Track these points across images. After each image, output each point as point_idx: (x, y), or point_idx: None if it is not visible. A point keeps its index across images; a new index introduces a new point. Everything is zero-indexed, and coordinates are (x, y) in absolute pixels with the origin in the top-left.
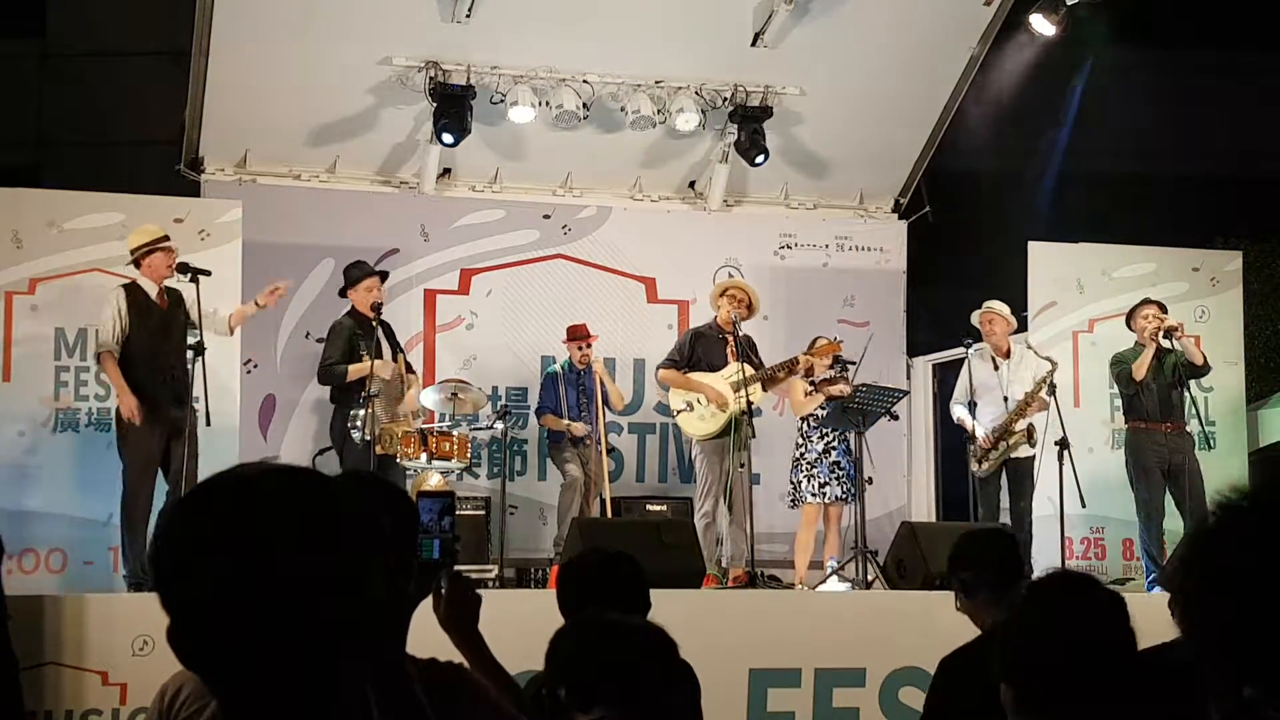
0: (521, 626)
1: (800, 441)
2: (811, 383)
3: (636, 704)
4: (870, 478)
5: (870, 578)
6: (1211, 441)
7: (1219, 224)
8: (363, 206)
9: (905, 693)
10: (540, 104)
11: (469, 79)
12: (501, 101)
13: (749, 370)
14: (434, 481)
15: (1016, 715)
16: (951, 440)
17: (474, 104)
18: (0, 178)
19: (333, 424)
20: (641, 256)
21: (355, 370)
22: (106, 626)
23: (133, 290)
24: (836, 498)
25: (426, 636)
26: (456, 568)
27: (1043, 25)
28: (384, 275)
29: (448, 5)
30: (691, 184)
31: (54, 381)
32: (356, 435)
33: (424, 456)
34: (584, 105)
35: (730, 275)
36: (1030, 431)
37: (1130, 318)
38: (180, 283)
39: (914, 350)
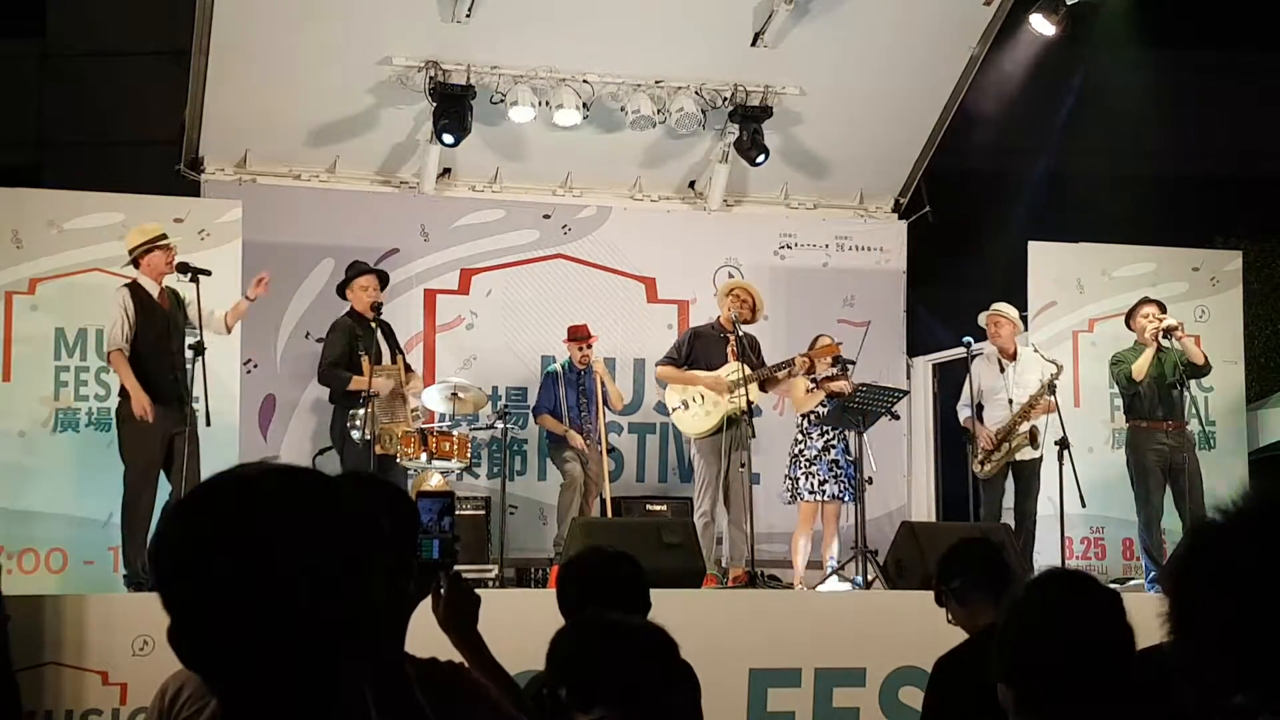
0: (521, 626)
1: (799, 438)
2: (813, 379)
3: (637, 704)
4: (870, 477)
5: (870, 578)
6: (1211, 441)
7: (1219, 224)
8: (363, 206)
9: (905, 693)
10: (540, 104)
11: (469, 79)
12: (501, 101)
13: (747, 370)
14: (434, 481)
15: (1016, 715)
16: (951, 440)
17: (474, 104)
18: (0, 178)
19: (333, 424)
20: (641, 256)
21: (358, 382)
22: (106, 626)
23: (136, 289)
24: (834, 496)
25: (426, 636)
26: (456, 568)
27: (1043, 25)
28: (383, 276)
29: (448, 5)
30: (691, 184)
31: (54, 381)
32: (356, 435)
33: (424, 456)
34: (584, 105)
35: (730, 275)
36: (1034, 434)
37: (1129, 318)
38: (180, 283)
39: (914, 350)
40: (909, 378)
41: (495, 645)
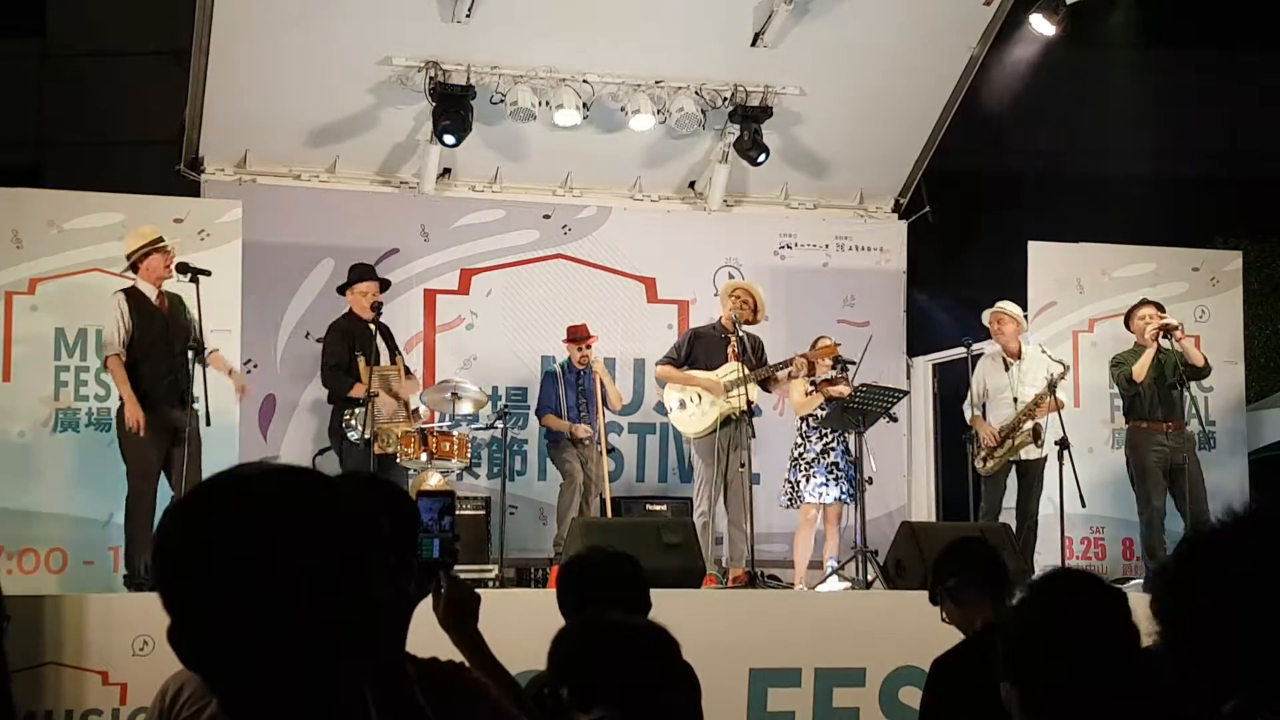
0: (521, 626)
1: (799, 441)
2: (812, 382)
3: (638, 704)
4: (870, 478)
5: (870, 578)
6: (1211, 441)
7: (1219, 224)
8: (363, 206)
9: (905, 692)
10: (540, 104)
11: (469, 79)
12: (501, 101)
13: (746, 370)
14: (434, 481)
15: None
16: (952, 440)
17: (474, 104)
18: (0, 178)
19: (331, 424)
20: (641, 256)
21: (359, 389)
22: (106, 626)
23: (132, 294)
24: (835, 498)
25: (426, 636)
26: (456, 568)
27: (1043, 25)
28: (385, 283)
29: (448, 5)
30: (691, 184)
31: (54, 381)
32: (353, 435)
33: (424, 456)
34: (584, 105)
35: (730, 275)
36: (1037, 432)
37: (1128, 319)
38: (180, 283)
39: (914, 350)
40: (909, 378)
41: (495, 645)
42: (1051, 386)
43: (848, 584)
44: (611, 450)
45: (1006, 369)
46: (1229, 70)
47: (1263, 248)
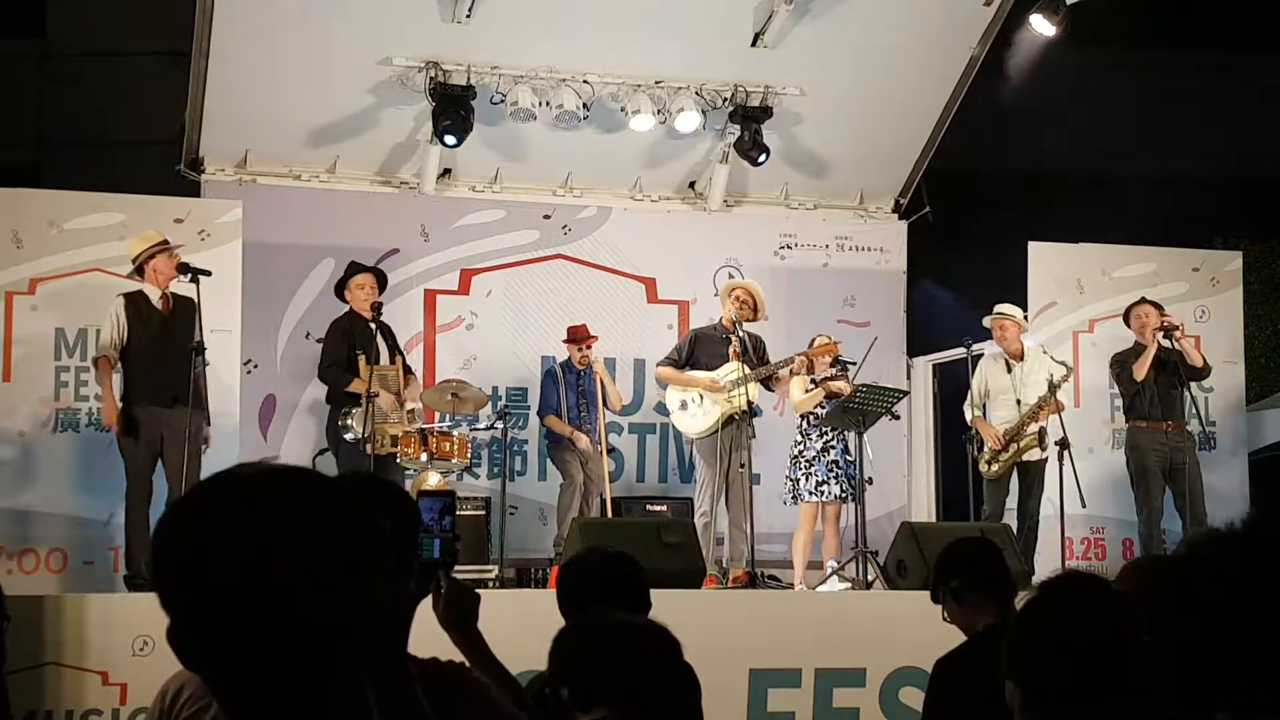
0: (521, 626)
1: (799, 439)
2: (812, 379)
3: (638, 704)
4: (870, 478)
5: (870, 578)
6: (1211, 441)
7: (1219, 224)
8: (363, 206)
9: (905, 693)
10: (540, 104)
11: (469, 79)
12: (501, 101)
13: (746, 369)
14: (433, 481)
15: (1023, 714)
16: (952, 440)
17: (474, 104)
18: (0, 178)
19: (328, 425)
20: (641, 256)
21: (358, 385)
22: (106, 626)
23: (132, 300)
24: (834, 497)
25: (426, 636)
26: (455, 569)
27: (1043, 25)
28: (380, 274)
29: (448, 5)
30: (691, 184)
31: (54, 381)
32: (349, 437)
33: (424, 456)
34: (584, 105)
35: (730, 275)
36: (1042, 435)
37: (1127, 316)
38: (180, 283)
39: (914, 350)
40: (909, 378)
41: (495, 645)
42: (1054, 388)
43: (848, 584)
44: (611, 450)
45: (1009, 370)
46: (1229, 70)
47: (1263, 248)
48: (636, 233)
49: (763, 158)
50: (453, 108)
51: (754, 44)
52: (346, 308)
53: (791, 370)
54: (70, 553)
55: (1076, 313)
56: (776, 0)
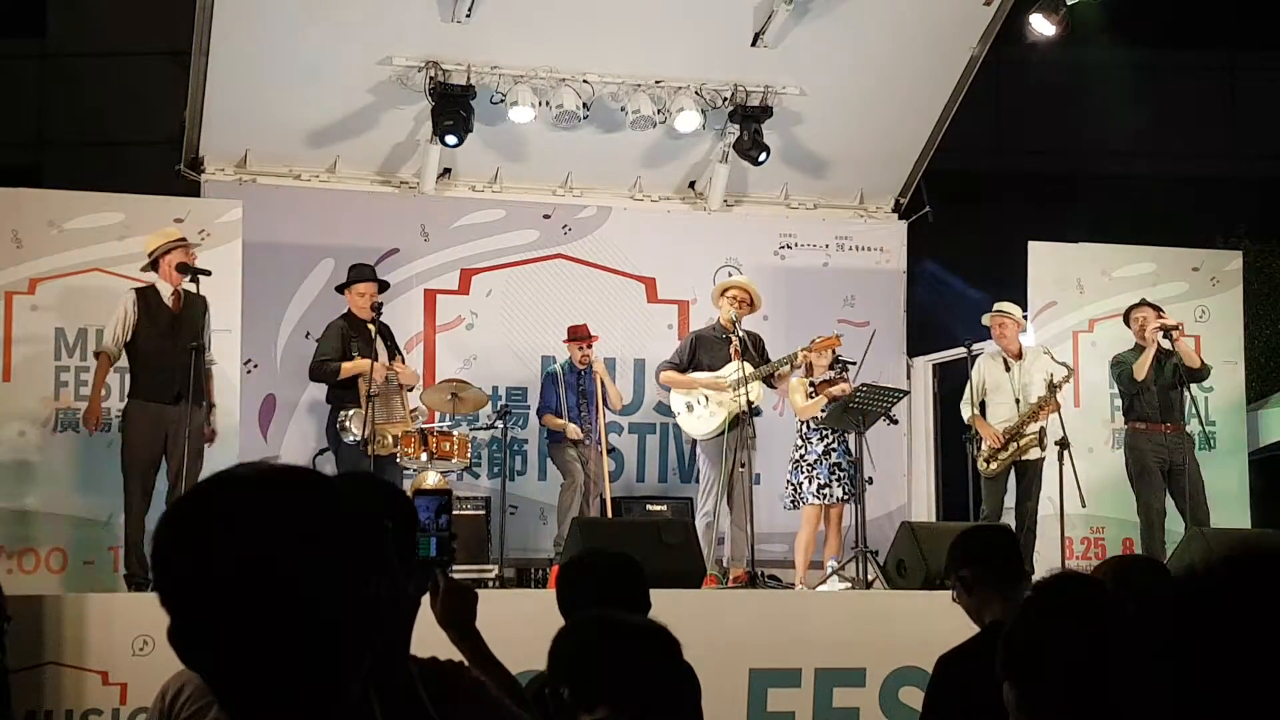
0: (521, 626)
1: (800, 442)
2: (812, 383)
3: (639, 704)
4: (870, 478)
5: (870, 578)
6: (1211, 441)
7: (1219, 224)
8: (363, 206)
9: (905, 693)
10: (540, 104)
11: (469, 79)
12: (501, 101)
13: (749, 368)
14: (433, 480)
15: (1018, 713)
16: (952, 440)
17: (474, 104)
18: (0, 178)
19: (327, 425)
20: (641, 256)
21: (348, 368)
22: (106, 626)
23: (143, 295)
24: (838, 499)
25: (426, 636)
26: (454, 568)
27: (1043, 25)
28: (384, 285)
29: (448, 5)
30: (691, 184)
31: (54, 381)
32: (349, 438)
33: (424, 456)
34: (584, 105)
35: (730, 275)
36: (1042, 435)
37: (1126, 316)
38: (180, 283)
39: (914, 350)
40: (909, 378)
41: (495, 645)
42: (1054, 388)
43: (848, 584)
44: (611, 450)
45: (1007, 369)
46: (1229, 70)
47: (1263, 248)
48: (636, 233)
49: (763, 157)
50: (453, 107)
51: (754, 44)
52: (346, 308)
53: (793, 365)
54: (70, 553)
55: (1076, 313)
56: (776, 0)
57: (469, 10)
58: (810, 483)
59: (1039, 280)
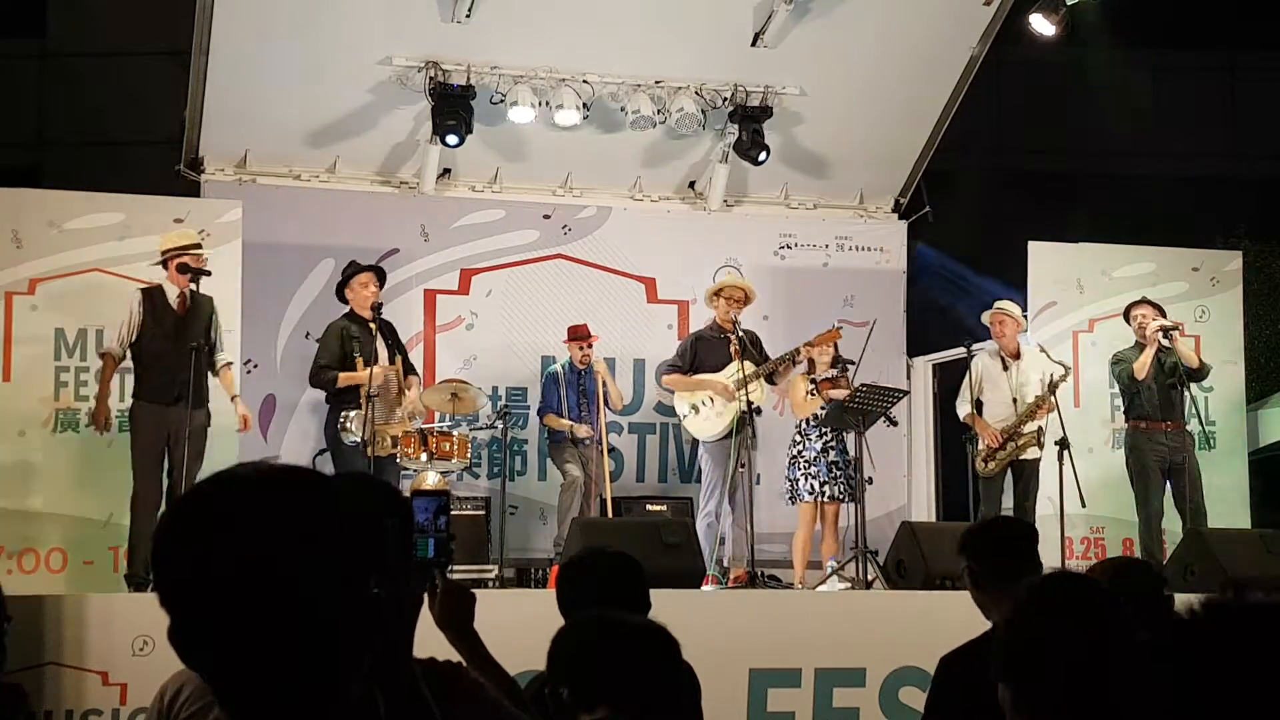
0: (521, 626)
1: (798, 439)
2: (813, 381)
3: (639, 704)
4: (870, 478)
5: (870, 578)
6: (1211, 441)
7: (1219, 224)
8: (363, 206)
9: (905, 693)
10: (540, 104)
11: (469, 79)
12: (501, 101)
13: (750, 368)
14: (432, 481)
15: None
16: (951, 440)
17: (474, 104)
18: (0, 178)
19: (326, 425)
20: (641, 256)
21: (345, 379)
22: (106, 626)
23: (150, 295)
24: (833, 497)
25: (424, 636)
26: (453, 568)
27: (1043, 25)
28: (379, 272)
29: (448, 5)
30: (691, 184)
31: (54, 381)
32: (347, 438)
33: (424, 456)
34: (584, 105)
35: (729, 275)
36: (1039, 434)
37: (1126, 317)
38: (187, 285)
39: (914, 350)
40: (909, 378)
41: (495, 645)
42: (1052, 388)
43: (848, 584)
44: (612, 450)
45: (1005, 368)
46: (1229, 70)
47: (1263, 248)
48: (636, 233)
49: (763, 157)
50: (452, 107)
51: (754, 44)
52: (345, 309)
53: (794, 361)
54: (70, 553)
55: (1076, 312)
56: (776, 0)
57: (469, 10)
58: (805, 480)
59: (1039, 280)
